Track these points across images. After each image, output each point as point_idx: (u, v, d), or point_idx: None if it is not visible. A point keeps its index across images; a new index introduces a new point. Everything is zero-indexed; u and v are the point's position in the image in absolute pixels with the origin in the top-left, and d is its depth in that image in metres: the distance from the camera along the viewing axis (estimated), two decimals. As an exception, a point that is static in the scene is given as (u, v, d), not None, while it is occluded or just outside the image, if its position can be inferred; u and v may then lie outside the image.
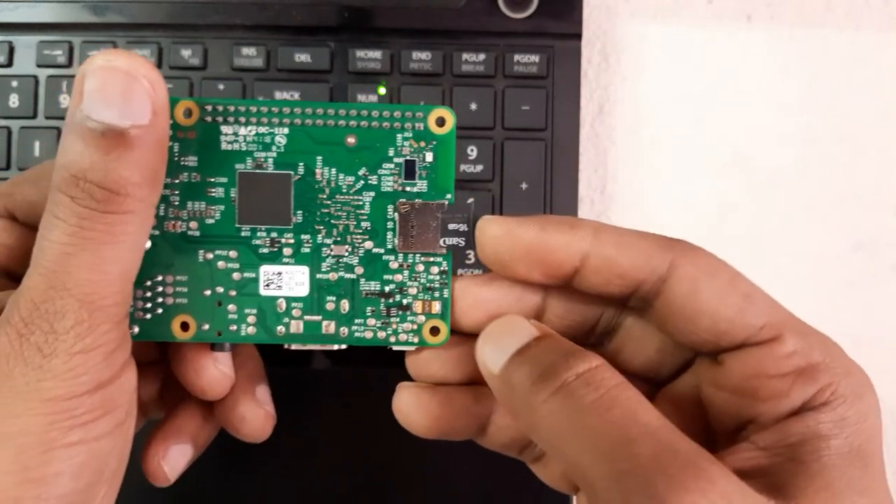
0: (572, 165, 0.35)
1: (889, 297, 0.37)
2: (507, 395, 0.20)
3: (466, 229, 0.23)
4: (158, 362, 0.26)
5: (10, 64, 0.35)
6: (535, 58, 0.35)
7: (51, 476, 0.18)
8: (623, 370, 0.20)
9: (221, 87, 0.35)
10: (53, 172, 0.19)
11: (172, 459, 0.26)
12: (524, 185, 0.35)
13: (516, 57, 0.35)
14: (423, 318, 0.23)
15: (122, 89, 0.19)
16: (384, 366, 0.35)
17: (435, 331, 0.23)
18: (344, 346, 0.23)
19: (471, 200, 0.23)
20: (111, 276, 0.19)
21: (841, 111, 0.38)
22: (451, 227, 0.23)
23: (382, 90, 0.35)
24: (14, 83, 0.35)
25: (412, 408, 0.23)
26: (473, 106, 0.35)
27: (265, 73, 0.35)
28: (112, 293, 0.19)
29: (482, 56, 0.35)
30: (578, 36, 0.36)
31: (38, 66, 0.35)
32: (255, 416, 0.25)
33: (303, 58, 0.35)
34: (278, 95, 0.35)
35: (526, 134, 0.35)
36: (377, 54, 0.35)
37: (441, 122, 0.23)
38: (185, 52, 0.35)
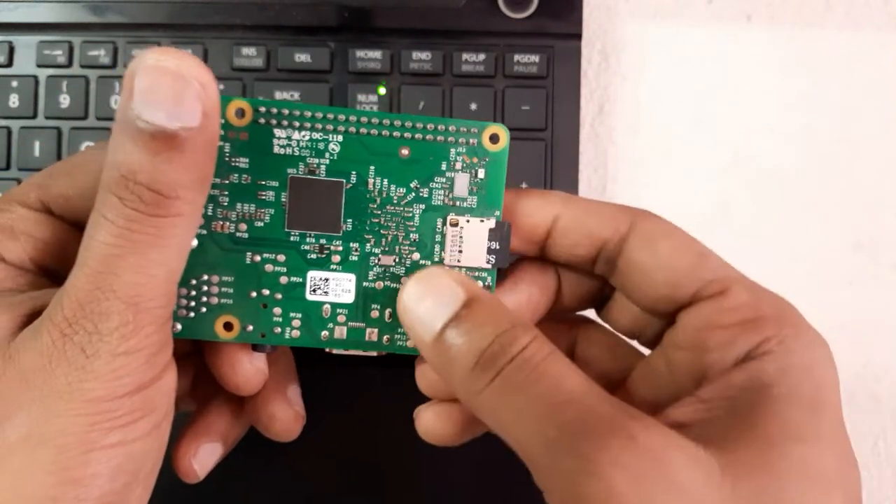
0: (572, 165, 0.35)
1: (889, 297, 0.37)
2: (443, 369, 0.20)
3: (499, 247, 0.23)
4: (191, 354, 0.26)
5: (10, 64, 0.35)
6: (535, 58, 0.35)
7: (89, 477, 0.18)
8: (614, 329, 0.24)
9: (221, 86, 0.35)
10: (104, 169, 0.19)
11: (203, 457, 0.26)
12: (524, 185, 0.35)
13: (516, 57, 0.35)
14: None
15: (172, 91, 0.18)
16: (384, 366, 0.35)
17: None
18: (384, 353, 0.23)
19: (507, 222, 0.23)
20: (158, 278, 0.19)
21: (841, 111, 0.38)
22: (491, 245, 0.23)
23: (382, 90, 0.35)
24: (14, 83, 0.35)
25: (437, 425, 0.24)
26: (473, 106, 0.35)
27: (265, 73, 0.35)
28: (157, 295, 0.19)
29: (482, 56, 0.35)
30: (578, 36, 0.36)
31: (38, 66, 0.35)
32: (286, 416, 0.26)
33: (303, 58, 0.35)
34: (278, 95, 0.35)
35: (526, 134, 0.35)
36: (377, 54, 0.35)
37: (495, 139, 0.23)
38: (185, 52, 0.35)
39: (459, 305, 0.20)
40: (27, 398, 0.18)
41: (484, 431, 0.24)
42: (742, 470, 0.17)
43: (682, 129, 0.38)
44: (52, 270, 0.23)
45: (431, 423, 0.24)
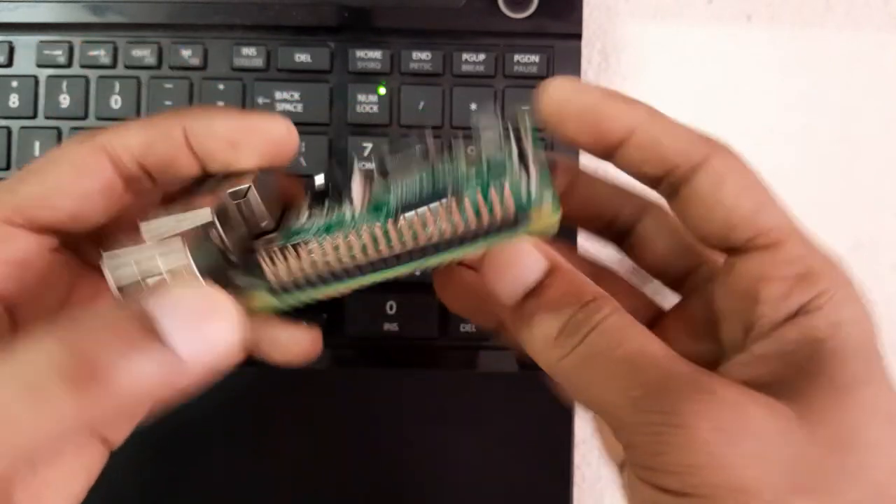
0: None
1: (889, 297, 0.37)
2: (524, 337, 0.21)
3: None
4: None
5: (10, 64, 0.35)
6: (535, 58, 0.35)
7: None
8: (637, 264, 0.24)
9: (221, 86, 0.35)
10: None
11: None
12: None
13: (516, 57, 0.35)
14: None
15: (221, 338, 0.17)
16: (383, 366, 0.35)
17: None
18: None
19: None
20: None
21: (841, 111, 0.38)
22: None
23: (382, 90, 0.35)
24: (14, 83, 0.35)
25: (453, 282, 0.24)
26: (473, 106, 0.35)
27: (265, 73, 0.35)
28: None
29: (482, 56, 0.35)
30: (578, 36, 0.36)
31: (38, 66, 0.35)
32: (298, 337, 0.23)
33: (303, 58, 0.35)
34: (278, 95, 0.35)
35: (526, 134, 0.35)
36: (377, 54, 0.35)
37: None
38: (185, 52, 0.35)
39: (542, 274, 0.21)
40: None
41: (492, 322, 0.24)
42: (816, 416, 0.18)
43: (682, 129, 0.38)
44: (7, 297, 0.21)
45: (453, 276, 0.24)
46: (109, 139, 0.21)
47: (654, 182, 0.22)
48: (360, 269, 0.20)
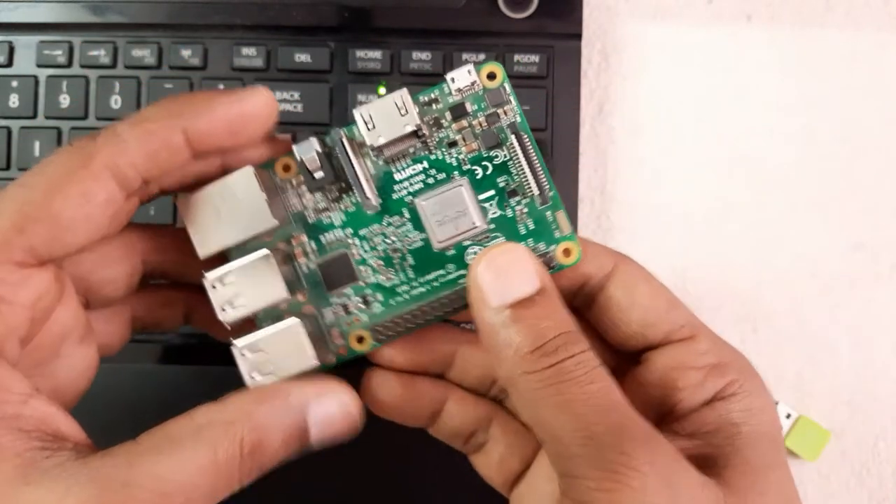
0: (572, 165, 0.35)
1: (889, 297, 0.37)
2: (494, 340, 0.21)
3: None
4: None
5: (10, 64, 0.35)
6: (535, 58, 0.35)
7: None
8: None
9: (221, 86, 0.35)
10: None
11: None
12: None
13: (516, 57, 0.35)
14: None
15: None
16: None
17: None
18: None
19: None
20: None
21: (841, 111, 0.38)
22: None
23: (382, 90, 0.35)
24: (14, 83, 0.35)
25: (380, 387, 0.25)
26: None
27: (265, 73, 0.35)
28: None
29: (482, 56, 0.35)
30: (578, 36, 0.36)
31: (38, 66, 0.35)
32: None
33: (303, 58, 0.35)
34: (278, 95, 0.35)
35: (526, 134, 0.35)
36: (377, 54, 0.35)
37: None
38: (185, 52, 0.35)
39: (534, 290, 0.21)
40: None
41: (411, 422, 0.25)
42: (738, 496, 0.21)
43: (682, 129, 0.38)
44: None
45: (376, 382, 0.25)
46: (112, 158, 0.21)
47: (569, 295, 0.24)
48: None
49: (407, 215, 0.23)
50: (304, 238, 0.24)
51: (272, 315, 0.23)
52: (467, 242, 0.23)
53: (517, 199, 0.23)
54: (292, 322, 0.23)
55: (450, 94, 0.23)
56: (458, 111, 0.23)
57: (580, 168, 0.36)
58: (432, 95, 0.23)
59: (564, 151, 0.35)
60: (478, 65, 0.23)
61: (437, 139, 0.23)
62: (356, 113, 0.22)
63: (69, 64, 0.35)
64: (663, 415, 0.23)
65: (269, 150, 0.23)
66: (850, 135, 0.38)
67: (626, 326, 0.24)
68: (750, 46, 0.38)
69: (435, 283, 0.24)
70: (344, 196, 0.23)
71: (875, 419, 0.37)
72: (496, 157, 0.23)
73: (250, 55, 0.35)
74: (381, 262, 0.24)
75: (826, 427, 0.36)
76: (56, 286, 0.21)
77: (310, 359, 0.23)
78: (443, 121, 0.23)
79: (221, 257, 0.23)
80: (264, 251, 0.22)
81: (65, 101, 0.35)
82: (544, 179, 0.23)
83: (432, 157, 0.23)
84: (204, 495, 0.19)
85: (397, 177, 0.23)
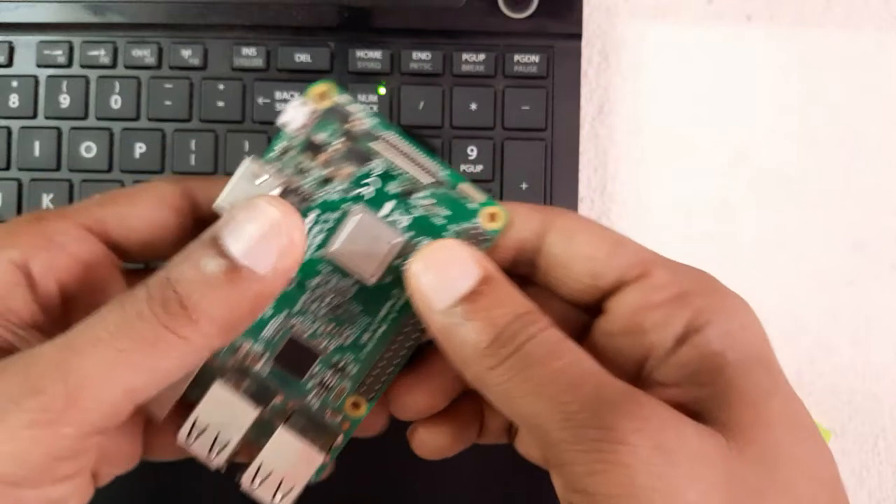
0: (572, 165, 0.35)
1: (889, 297, 0.37)
2: (451, 343, 0.20)
3: None
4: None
5: (10, 64, 0.35)
6: (535, 58, 0.35)
7: None
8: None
9: (221, 87, 0.35)
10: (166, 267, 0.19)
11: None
12: (524, 185, 0.35)
13: (516, 57, 0.35)
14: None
15: (262, 232, 0.19)
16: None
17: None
18: None
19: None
20: (116, 386, 0.18)
21: (841, 111, 0.38)
22: None
23: (382, 90, 0.35)
24: (14, 83, 0.35)
25: (429, 439, 0.24)
26: (473, 106, 0.35)
27: (265, 73, 0.35)
28: (101, 403, 0.18)
29: (482, 56, 0.35)
30: (578, 36, 0.36)
31: (38, 66, 0.35)
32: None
33: (303, 58, 0.35)
34: (278, 95, 0.35)
35: (526, 134, 0.35)
36: (377, 54, 0.35)
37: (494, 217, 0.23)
38: (185, 52, 0.35)
39: (476, 282, 0.20)
40: None
41: (472, 442, 0.24)
42: (740, 437, 0.18)
43: (682, 129, 0.38)
44: (70, 295, 0.22)
45: (425, 437, 0.24)
46: (199, 186, 0.23)
47: (510, 265, 0.22)
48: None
49: (328, 268, 0.22)
50: (248, 345, 0.23)
51: (262, 431, 0.22)
52: (397, 261, 0.22)
53: (417, 195, 0.22)
54: (278, 433, 0.22)
55: (294, 136, 0.22)
56: (312, 147, 0.22)
57: (580, 168, 0.36)
58: (282, 145, 0.22)
59: (564, 151, 0.35)
60: (304, 92, 0.22)
61: (309, 184, 0.22)
62: (221, 212, 0.21)
63: (69, 64, 0.35)
64: (641, 365, 0.21)
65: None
66: (850, 135, 0.38)
67: (574, 282, 0.22)
68: (750, 46, 0.38)
69: (392, 315, 0.23)
70: None
71: (875, 419, 0.37)
72: (374, 168, 0.22)
73: (250, 55, 0.35)
74: (332, 325, 0.23)
75: (826, 427, 0.36)
76: (108, 275, 0.22)
77: (316, 456, 0.22)
78: (303, 165, 0.22)
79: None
80: (216, 382, 0.22)
81: (65, 101, 0.35)
82: (430, 163, 0.22)
83: (316, 203, 0.22)
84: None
85: None
